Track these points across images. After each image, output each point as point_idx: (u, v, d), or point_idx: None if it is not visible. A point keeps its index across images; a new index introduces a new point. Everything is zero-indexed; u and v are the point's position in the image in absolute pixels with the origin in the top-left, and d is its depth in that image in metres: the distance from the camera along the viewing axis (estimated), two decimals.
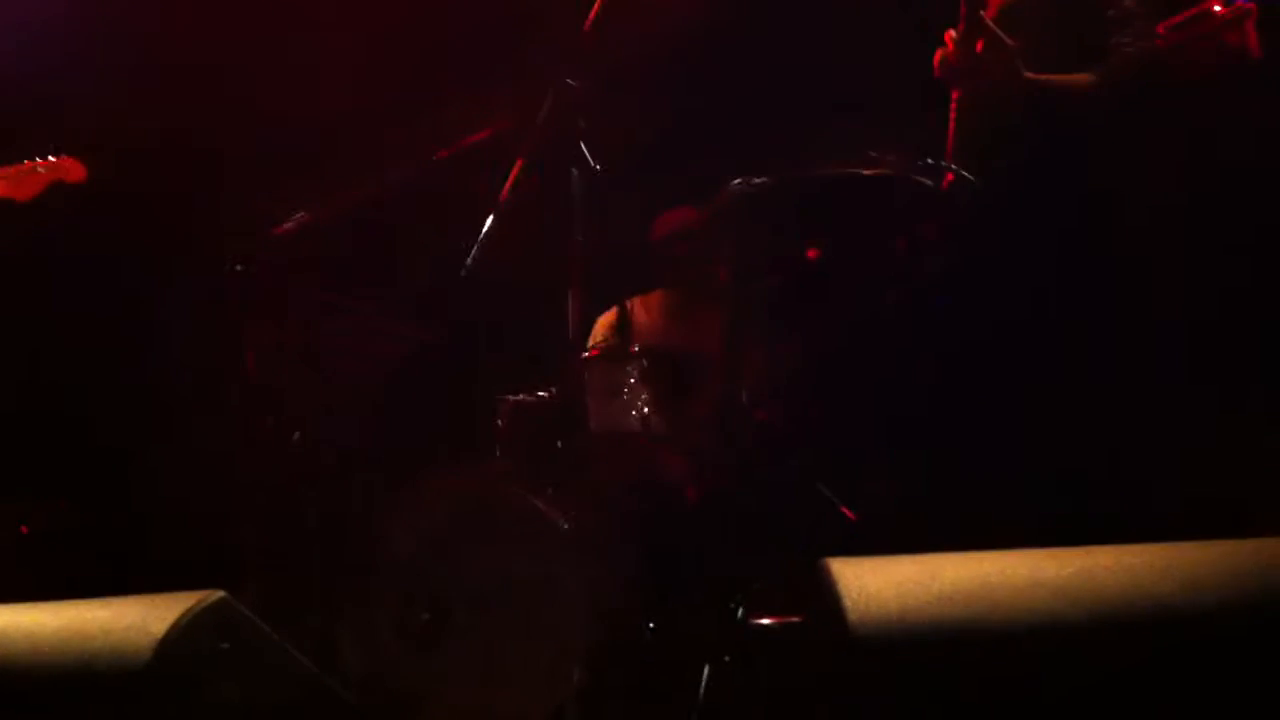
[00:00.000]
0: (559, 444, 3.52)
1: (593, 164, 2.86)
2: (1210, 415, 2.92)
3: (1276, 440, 2.87)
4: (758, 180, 2.80)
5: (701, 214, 4.38)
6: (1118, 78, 2.83)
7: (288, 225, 4.13)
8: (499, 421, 3.74)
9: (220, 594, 2.02)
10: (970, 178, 2.72)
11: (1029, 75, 2.85)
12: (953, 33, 2.86)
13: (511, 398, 3.74)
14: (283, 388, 4.14)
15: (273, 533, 4.02)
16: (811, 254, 3.03)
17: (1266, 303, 3.10)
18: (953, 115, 2.89)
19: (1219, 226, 3.09)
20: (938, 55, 2.88)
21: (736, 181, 2.84)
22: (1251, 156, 3.11)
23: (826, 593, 1.79)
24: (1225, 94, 2.94)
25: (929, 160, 2.77)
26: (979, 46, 2.82)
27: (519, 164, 2.93)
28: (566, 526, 3.28)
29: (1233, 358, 3.01)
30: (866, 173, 2.74)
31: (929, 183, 2.76)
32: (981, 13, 2.82)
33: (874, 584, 1.81)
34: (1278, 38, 2.58)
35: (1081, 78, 2.85)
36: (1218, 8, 2.78)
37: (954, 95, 2.89)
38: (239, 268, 4.09)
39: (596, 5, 2.91)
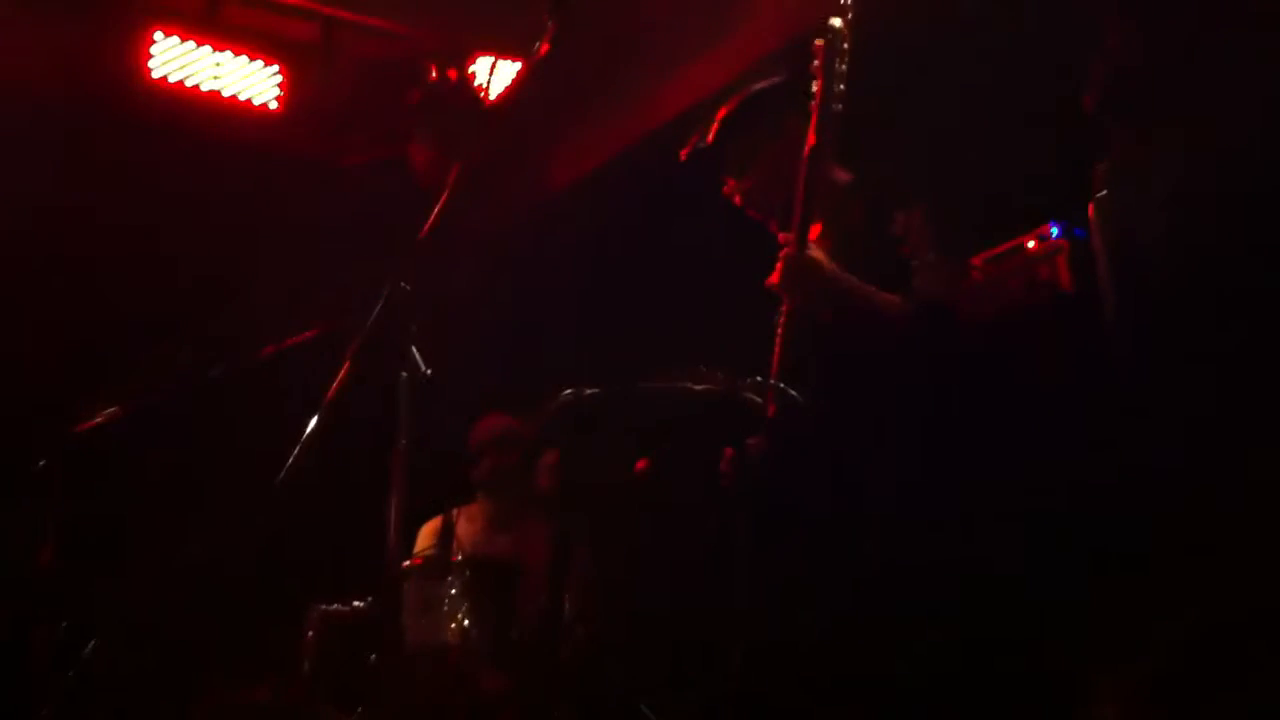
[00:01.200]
0: (371, 658, 3.37)
1: (423, 369, 2.82)
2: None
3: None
4: (587, 391, 2.80)
5: (520, 421, 4.37)
6: (909, 321, 2.93)
7: (96, 420, 3.97)
8: (308, 632, 3.58)
9: None
10: (794, 395, 2.76)
11: (853, 280, 2.93)
12: (785, 236, 2.95)
13: (322, 607, 3.59)
14: (79, 593, 3.91)
15: None
16: (640, 465, 3.02)
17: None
18: (780, 327, 2.95)
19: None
20: (776, 267, 2.96)
21: (566, 391, 2.83)
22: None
23: None
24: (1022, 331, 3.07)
25: (757, 378, 2.81)
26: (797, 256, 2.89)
27: (346, 366, 2.86)
28: None
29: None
30: (695, 387, 2.76)
31: (756, 399, 2.79)
32: (802, 224, 2.92)
33: None
34: (1090, 273, 2.71)
35: (894, 300, 2.94)
36: (1031, 243, 2.91)
37: (783, 307, 2.96)
38: (42, 463, 3.90)
39: (436, 210, 2.91)
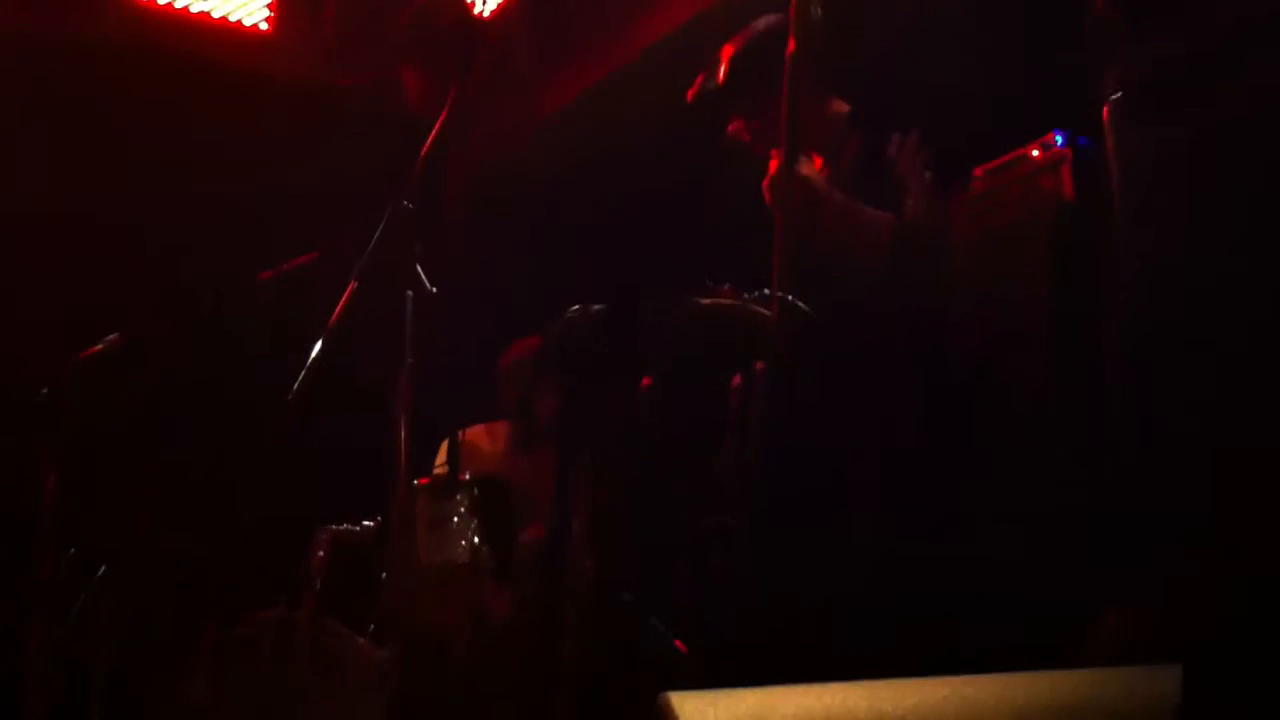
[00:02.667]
0: (382, 576, 3.41)
1: (428, 287, 2.82)
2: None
3: None
4: (593, 308, 2.80)
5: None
6: (896, 245, 2.94)
7: (97, 348, 3.96)
8: (318, 553, 3.61)
9: None
10: (802, 307, 2.76)
11: (841, 196, 2.94)
12: (776, 155, 2.95)
13: (332, 527, 3.62)
14: (82, 520, 3.93)
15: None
16: (645, 383, 3.04)
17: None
18: (776, 241, 2.95)
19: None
20: (766, 179, 2.96)
21: (572, 308, 2.83)
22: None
23: None
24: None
25: (765, 290, 2.81)
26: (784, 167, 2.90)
27: (351, 287, 2.87)
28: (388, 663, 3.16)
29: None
30: (703, 302, 2.76)
31: (765, 312, 2.80)
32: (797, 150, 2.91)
33: (713, 718, 1.78)
34: (1094, 182, 2.70)
35: (884, 216, 2.95)
36: (1035, 152, 2.91)
37: (776, 219, 2.97)
38: (45, 392, 3.90)
39: (435, 129, 2.90)
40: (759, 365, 2.98)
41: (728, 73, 3.15)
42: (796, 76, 2.92)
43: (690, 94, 3.23)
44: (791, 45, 2.91)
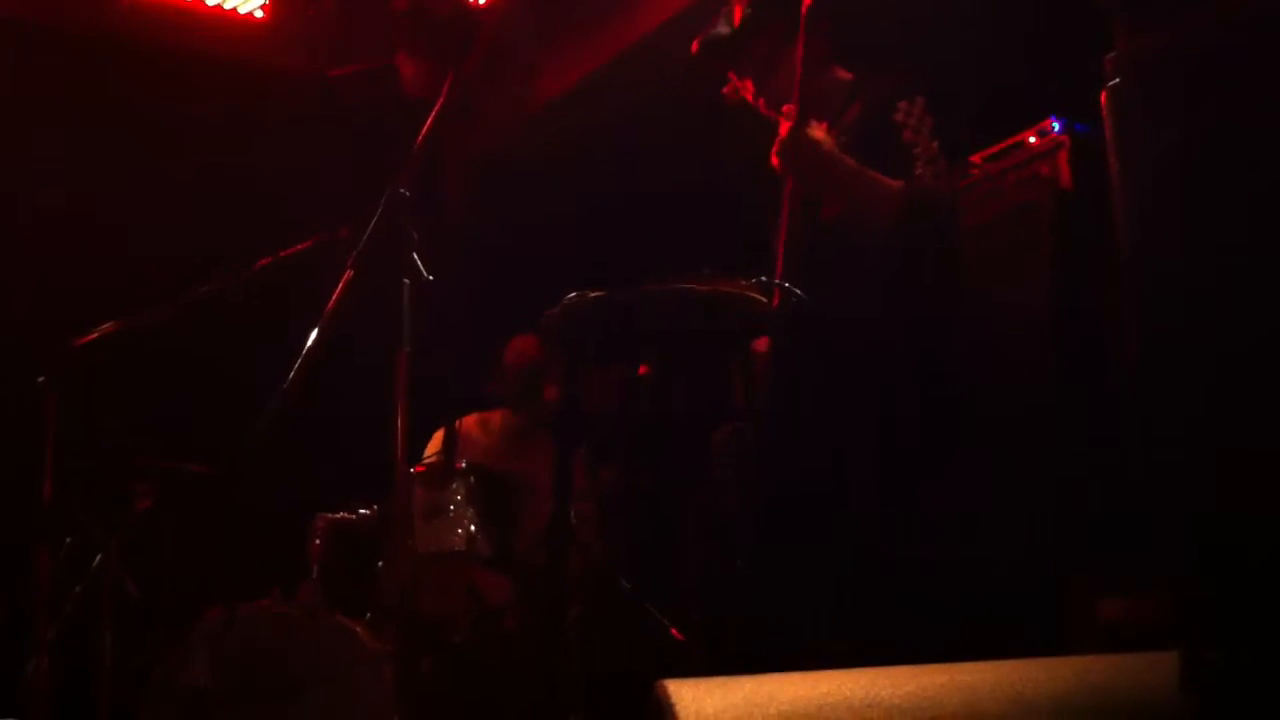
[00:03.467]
0: (379, 564, 3.40)
1: (425, 275, 2.81)
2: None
3: None
4: (591, 294, 2.79)
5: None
6: (907, 208, 2.91)
7: (93, 335, 3.95)
8: (315, 540, 3.60)
9: None
10: (799, 293, 2.75)
11: (851, 163, 2.92)
12: (785, 115, 2.94)
13: (328, 515, 3.61)
14: (83, 509, 3.92)
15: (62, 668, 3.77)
16: (642, 370, 3.03)
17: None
18: (784, 212, 2.93)
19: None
20: (775, 145, 2.95)
21: (570, 295, 2.82)
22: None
23: (663, 715, 1.74)
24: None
25: (762, 278, 2.80)
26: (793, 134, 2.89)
27: (347, 274, 2.86)
28: (384, 652, 3.16)
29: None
30: (700, 288, 2.75)
31: (762, 299, 2.79)
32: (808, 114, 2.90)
33: (711, 706, 1.77)
34: (1092, 169, 2.70)
35: (893, 183, 2.92)
36: (1032, 139, 2.90)
37: (785, 188, 2.95)
38: (41, 380, 3.89)
39: (432, 115, 2.89)
40: (758, 349, 2.98)
41: (743, 18, 3.11)
42: (811, 36, 2.90)
43: (695, 44, 3.20)
44: (807, 2, 2.89)
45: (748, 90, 3.16)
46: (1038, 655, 2.08)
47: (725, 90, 3.19)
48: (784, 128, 2.93)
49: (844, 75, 3.13)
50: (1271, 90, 1.52)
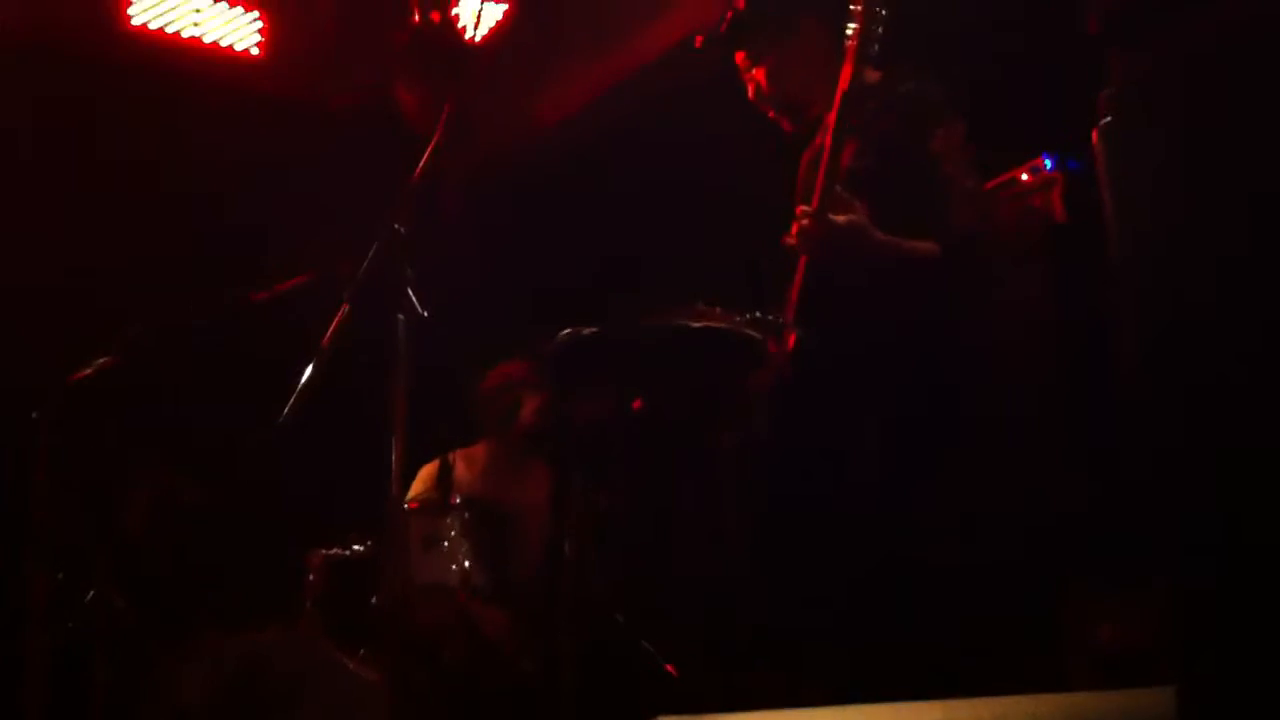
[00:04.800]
0: (373, 599, 3.40)
1: (419, 311, 2.81)
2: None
3: None
4: (585, 330, 2.80)
5: (530, 366, 4.36)
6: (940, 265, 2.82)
7: (87, 371, 3.95)
8: (310, 576, 3.60)
9: None
10: (805, 332, 2.74)
11: (880, 237, 2.80)
12: (804, 208, 2.84)
13: (324, 551, 3.61)
14: (74, 542, 3.91)
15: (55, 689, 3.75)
16: (636, 405, 3.03)
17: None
18: (799, 276, 2.87)
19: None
20: (794, 227, 2.84)
21: (564, 331, 2.83)
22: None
23: None
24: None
25: (759, 314, 2.80)
26: (833, 217, 2.76)
27: (343, 309, 2.86)
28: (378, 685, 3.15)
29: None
30: (693, 325, 2.75)
31: (757, 336, 2.79)
32: (836, 187, 2.77)
33: None
34: (1086, 204, 2.71)
35: (928, 245, 2.81)
36: (1025, 175, 2.91)
37: (801, 260, 2.87)
38: (35, 415, 3.88)
39: (427, 152, 2.89)
40: (755, 386, 2.97)
41: (730, 21, 3.09)
42: (843, 119, 2.78)
43: (698, 40, 3.18)
44: (844, 84, 2.78)
45: (753, 84, 3.11)
46: (1033, 667, 2.07)
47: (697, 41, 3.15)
48: (799, 212, 2.82)
49: (872, 75, 2.91)
50: (1266, 107, 1.54)
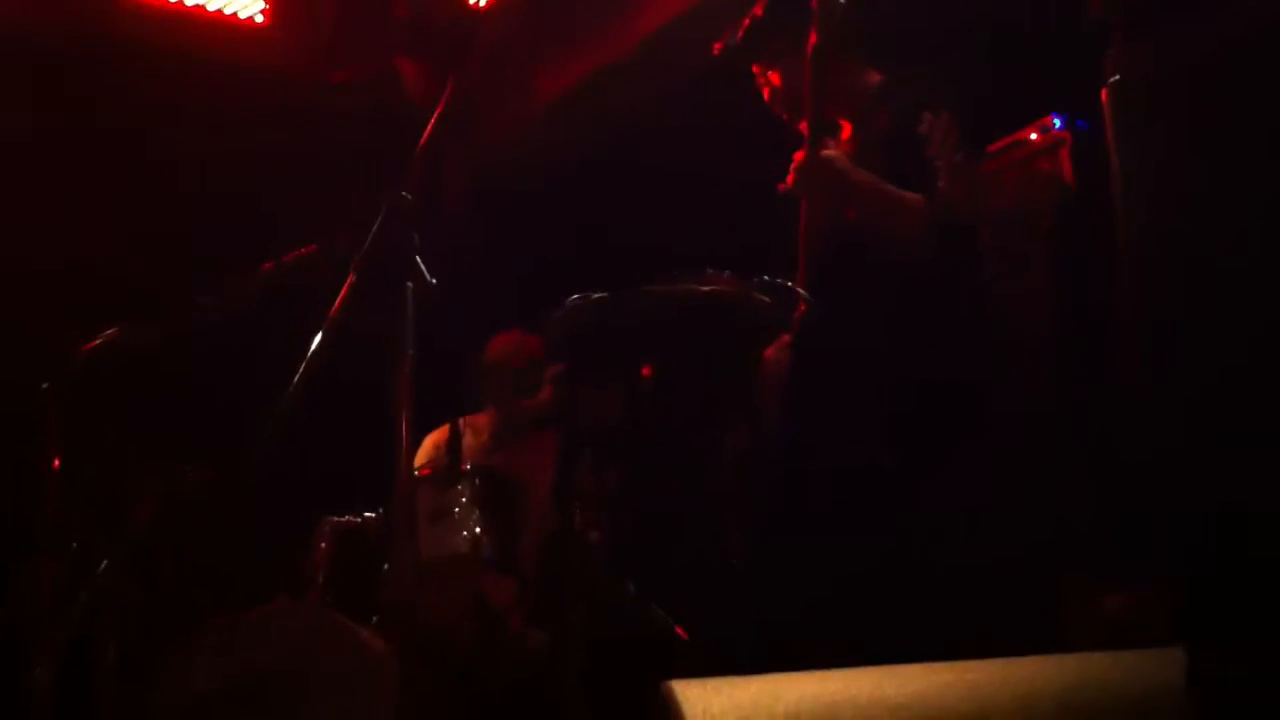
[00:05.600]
0: (384, 567, 3.41)
1: (427, 279, 2.81)
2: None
3: None
4: (594, 296, 2.80)
5: (534, 335, 4.37)
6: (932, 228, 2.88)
7: (96, 342, 3.95)
8: (320, 545, 3.61)
9: None
10: (809, 296, 2.75)
11: (865, 174, 2.90)
12: (799, 155, 2.92)
13: (333, 519, 3.62)
14: (83, 528, 3.92)
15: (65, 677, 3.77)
16: (646, 372, 3.03)
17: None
18: (802, 226, 2.92)
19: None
20: (789, 176, 2.93)
21: (573, 297, 2.83)
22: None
23: (669, 715, 1.75)
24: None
25: (768, 278, 2.80)
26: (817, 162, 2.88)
27: (350, 278, 2.86)
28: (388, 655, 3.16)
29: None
30: (703, 289, 2.75)
31: (767, 300, 2.79)
32: (821, 135, 2.88)
33: (717, 705, 1.78)
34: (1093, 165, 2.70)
35: (915, 198, 2.89)
36: (1033, 135, 2.90)
37: (802, 206, 2.94)
38: (45, 386, 3.89)
39: (433, 119, 2.89)
40: (769, 354, 2.97)
41: (747, 29, 3.13)
42: (817, 69, 2.89)
43: (716, 47, 3.21)
44: (813, 38, 2.89)
45: (769, 88, 3.15)
46: (1039, 652, 2.08)
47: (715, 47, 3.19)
48: (798, 156, 2.91)
49: (874, 78, 3.10)
50: (1271, 94, 1.53)
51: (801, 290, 2.84)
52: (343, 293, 2.90)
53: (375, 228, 2.86)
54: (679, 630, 3.19)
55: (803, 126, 3.00)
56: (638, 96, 5.02)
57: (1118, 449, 2.86)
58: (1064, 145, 2.85)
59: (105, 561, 3.87)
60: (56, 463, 3.85)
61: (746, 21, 3.15)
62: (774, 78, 3.14)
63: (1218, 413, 1.57)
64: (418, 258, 2.84)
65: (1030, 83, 3.26)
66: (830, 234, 2.90)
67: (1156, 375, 1.64)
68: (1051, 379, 3.12)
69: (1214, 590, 1.58)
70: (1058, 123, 2.89)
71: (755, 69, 3.19)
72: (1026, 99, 3.09)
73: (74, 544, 3.88)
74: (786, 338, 2.95)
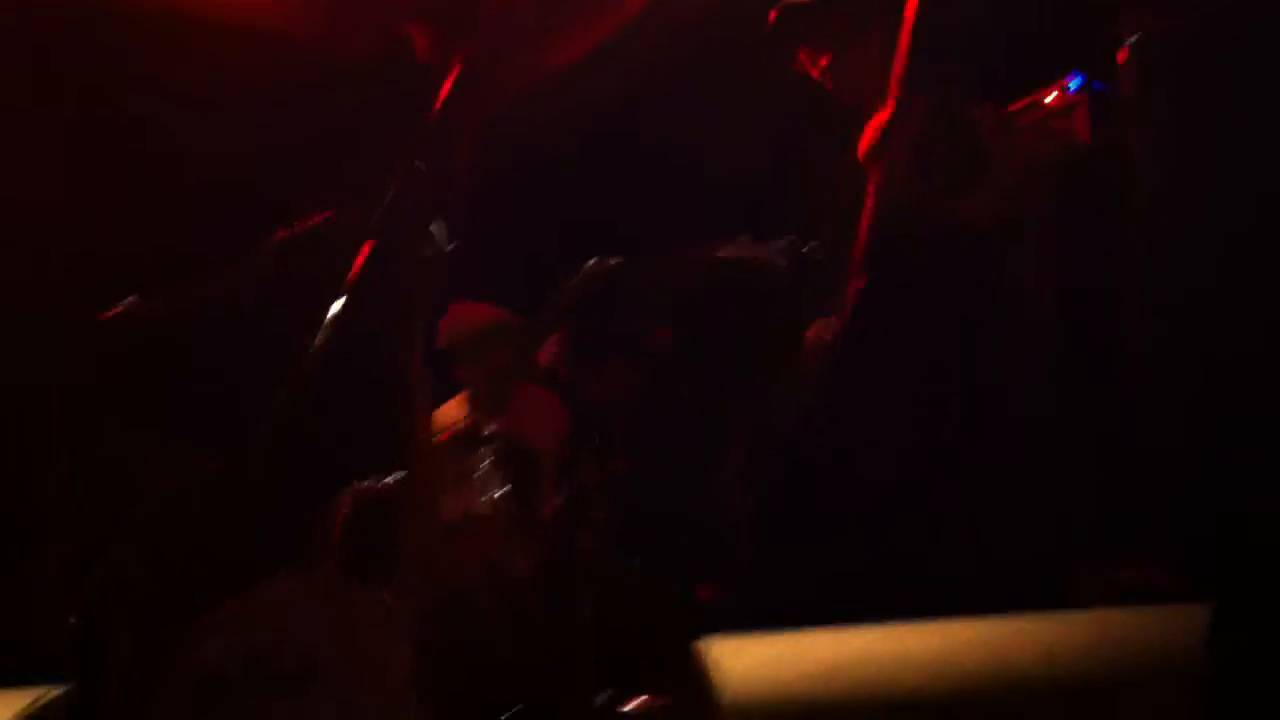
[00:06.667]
0: (405, 531, 3.43)
1: (444, 246, 2.83)
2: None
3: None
4: (612, 261, 2.81)
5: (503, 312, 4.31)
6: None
7: (115, 310, 3.96)
8: (339, 510, 3.63)
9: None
10: (827, 259, 2.75)
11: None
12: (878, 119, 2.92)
13: (355, 483, 3.64)
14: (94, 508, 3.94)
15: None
16: (662, 334, 3.04)
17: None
18: (870, 199, 2.89)
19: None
20: (864, 140, 2.93)
21: (591, 261, 2.84)
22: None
23: (702, 671, 1.78)
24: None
25: (791, 243, 2.81)
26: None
27: (367, 246, 2.88)
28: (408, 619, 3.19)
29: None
30: (721, 255, 2.76)
31: (782, 262, 2.80)
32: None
33: (748, 660, 1.81)
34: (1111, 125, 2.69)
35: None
36: (1049, 98, 2.90)
37: (871, 178, 2.91)
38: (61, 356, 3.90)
39: (445, 87, 2.90)
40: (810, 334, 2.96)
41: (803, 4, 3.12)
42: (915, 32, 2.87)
43: (772, 14, 3.19)
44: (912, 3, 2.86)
45: (817, 66, 3.13)
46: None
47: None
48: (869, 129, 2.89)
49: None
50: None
51: (815, 252, 2.84)
52: (360, 260, 2.92)
53: (390, 196, 2.88)
54: (700, 591, 3.21)
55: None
56: (650, 60, 5.00)
57: (1124, 432, 2.87)
58: (1080, 106, 2.84)
59: (115, 551, 3.89)
60: (62, 444, 3.87)
61: (775, 10, 3.13)
62: (837, 64, 3.11)
63: (1223, 393, 1.58)
64: (432, 226, 2.86)
65: (1047, 45, 3.24)
66: (907, 207, 2.86)
67: (1163, 339, 1.65)
68: (1053, 378, 3.12)
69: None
70: (1075, 83, 2.89)
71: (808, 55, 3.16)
72: (1044, 61, 3.08)
73: (82, 525, 3.90)
74: (832, 319, 2.93)
